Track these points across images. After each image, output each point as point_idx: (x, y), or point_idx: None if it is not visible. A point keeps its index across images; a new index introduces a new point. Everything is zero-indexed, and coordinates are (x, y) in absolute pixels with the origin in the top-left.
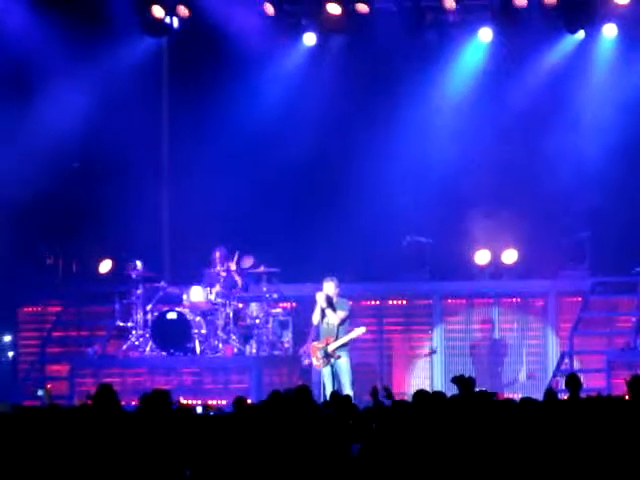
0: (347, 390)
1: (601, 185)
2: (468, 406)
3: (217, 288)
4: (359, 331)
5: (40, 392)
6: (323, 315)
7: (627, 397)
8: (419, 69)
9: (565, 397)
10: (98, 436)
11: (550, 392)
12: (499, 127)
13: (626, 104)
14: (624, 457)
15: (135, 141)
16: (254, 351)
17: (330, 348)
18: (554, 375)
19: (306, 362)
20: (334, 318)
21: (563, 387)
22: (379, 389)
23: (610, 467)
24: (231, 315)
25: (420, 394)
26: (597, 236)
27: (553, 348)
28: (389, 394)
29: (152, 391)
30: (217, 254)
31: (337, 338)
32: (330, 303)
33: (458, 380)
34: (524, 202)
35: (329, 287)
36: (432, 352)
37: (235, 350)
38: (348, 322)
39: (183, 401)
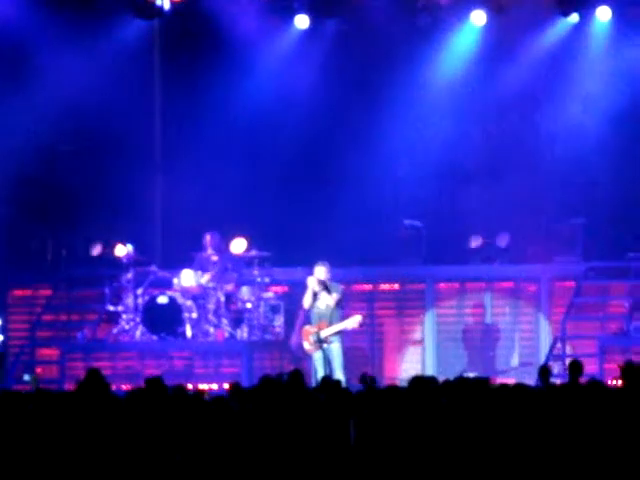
0: (338, 375)
1: (594, 170)
2: (459, 392)
3: (208, 272)
4: (354, 321)
5: (27, 377)
6: (315, 299)
7: (619, 383)
8: (412, 52)
9: (558, 382)
10: (86, 421)
11: (544, 371)
12: (493, 110)
13: (621, 89)
14: (621, 441)
15: (127, 124)
16: (245, 335)
17: (323, 334)
18: (547, 360)
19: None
20: (329, 300)
21: (555, 372)
22: (367, 376)
23: (610, 452)
24: (222, 299)
25: (416, 380)
26: (590, 221)
27: (545, 333)
28: (365, 380)
29: (144, 381)
30: (208, 238)
31: (331, 322)
32: (325, 286)
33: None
34: (517, 185)
35: (320, 271)
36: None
37: (226, 334)
38: (341, 306)
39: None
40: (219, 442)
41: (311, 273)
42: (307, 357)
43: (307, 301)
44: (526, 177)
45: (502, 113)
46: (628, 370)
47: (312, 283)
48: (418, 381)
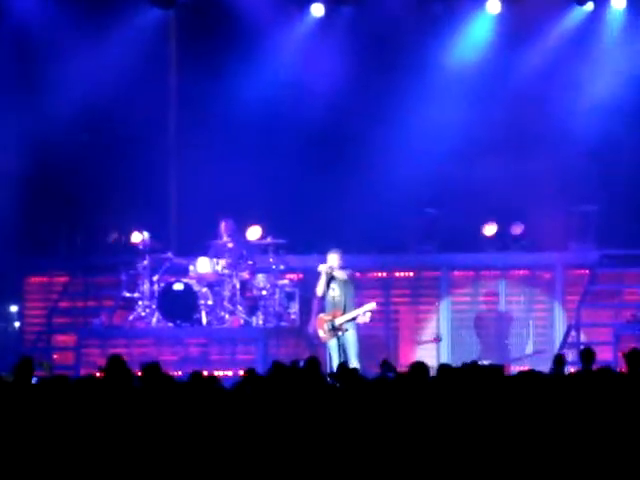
0: (353, 362)
1: (610, 157)
2: (475, 378)
3: (224, 259)
4: (367, 307)
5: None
6: (328, 287)
7: (624, 370)
8: (427, 40)
9: (572, 370)
10: (109, 408)
11: (559, 359)
12: (507, 97)
13: (636, 76)
14: (632, 427)
15: (143, 112)
16: (261, 322)
17: (337, 322)
18: (561, 348)
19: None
20: (340, 279)
21: (569, 360)
22: (388, 362)
23: (622, 437)
24: (238, 286)
25: (418, 366)
26: (604, 208)
27: (560, 321)
28: (390, 367)
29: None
30: (223, 225)
31: (345, 310)
32: (337, 275)
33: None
34: (532, 172)
35: (333, 259)
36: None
37: (241, 321)
38: (354, 293)
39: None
40: (233, 428)
41: (326, 260)
42: (323, 345)
43: (320, 289)
44: (541, 164)
45: (517, 99)
46: (633, 357)
47: (325, 270)
48: (421, 368)
